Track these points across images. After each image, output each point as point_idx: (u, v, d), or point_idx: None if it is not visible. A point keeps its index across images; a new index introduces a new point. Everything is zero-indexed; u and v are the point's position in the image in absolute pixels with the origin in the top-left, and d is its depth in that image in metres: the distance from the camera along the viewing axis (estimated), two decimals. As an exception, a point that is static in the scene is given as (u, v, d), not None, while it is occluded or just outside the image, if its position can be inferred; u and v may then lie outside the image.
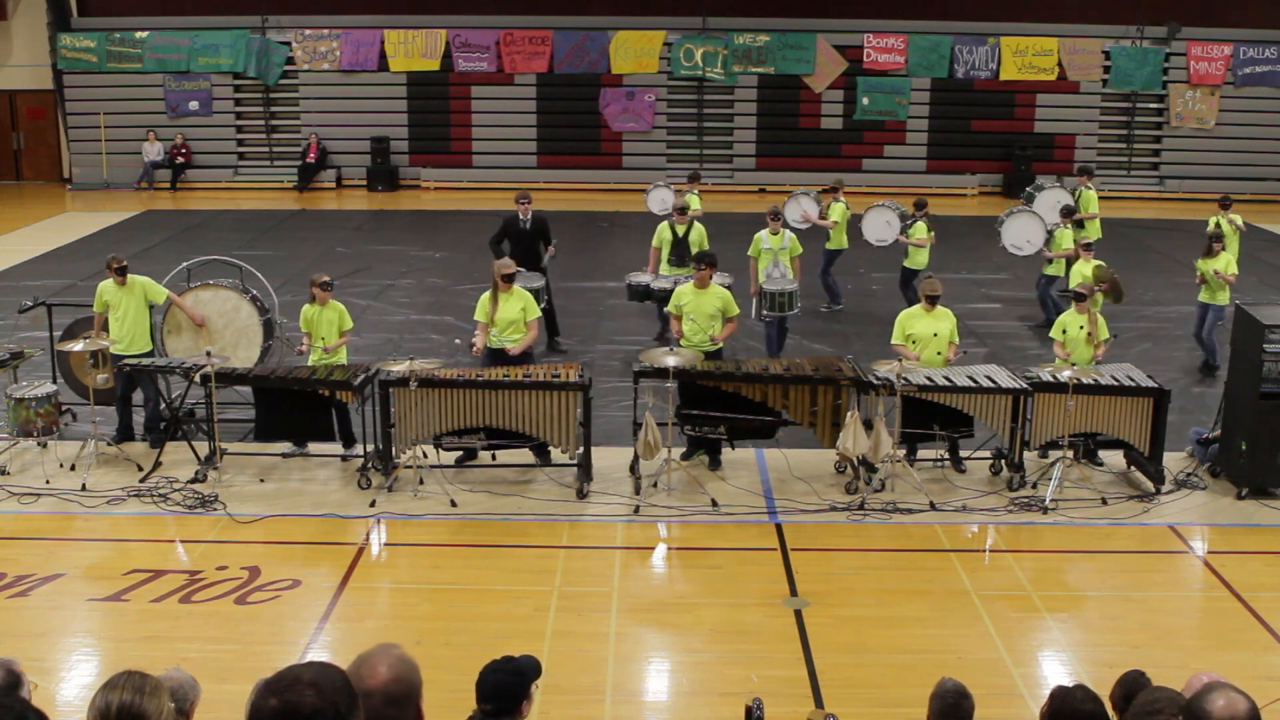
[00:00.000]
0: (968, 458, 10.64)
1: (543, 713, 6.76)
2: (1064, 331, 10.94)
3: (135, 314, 10.77)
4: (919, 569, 8.81)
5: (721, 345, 10.82)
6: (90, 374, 10.59)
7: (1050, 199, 17.15)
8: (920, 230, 15.41)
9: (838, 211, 16.12)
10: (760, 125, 26.19)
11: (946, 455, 10.59)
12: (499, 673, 4.43)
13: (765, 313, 13.25)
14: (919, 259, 15.39)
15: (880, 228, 16.42)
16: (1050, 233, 15.75)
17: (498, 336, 10.62)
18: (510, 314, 10.60)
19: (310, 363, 10.68)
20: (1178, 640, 7.95)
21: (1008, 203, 24.22)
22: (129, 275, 10.77)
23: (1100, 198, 17.57)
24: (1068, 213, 15.72)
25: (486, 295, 10.70)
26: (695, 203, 16.41)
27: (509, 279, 10.61)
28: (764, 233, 13.83)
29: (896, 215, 16.26)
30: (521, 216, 14.12)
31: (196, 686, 4.48)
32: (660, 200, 18.36)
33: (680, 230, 14.31)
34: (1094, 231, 16.55)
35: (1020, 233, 16.12)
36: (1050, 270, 15.43)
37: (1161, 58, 25.63)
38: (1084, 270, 13.13)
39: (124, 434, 10.95)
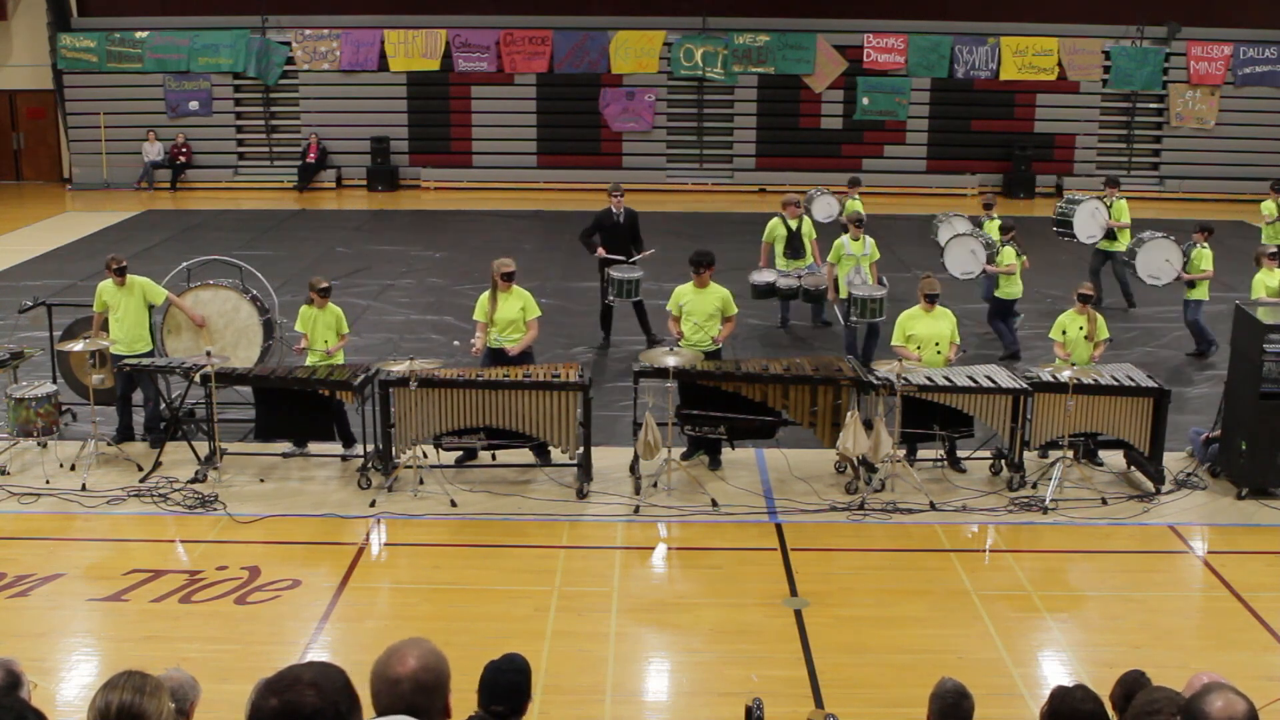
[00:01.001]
0: (967, 458, 10.64)
1: (543, 713, 6.77)
2: (1064, 333, 10.94)
3: (135, 314, 10.77)
4: (919, 569, 8.81)
5: (721, 345, 10.84)
6: (89, 374, 10.59)
7: (1088, 210, 16.82)
8: (1009, 256, 13.78)
9: (993, 229, 15.03)
10: (760, 125, 26.18)
11: (944, 456, 10.59)
12: (508, 673, 4.41)
13: (854, 319, 13.24)
14: (1012, 289, 13.83)
15: (964, 259, 14.76)
16: (1186, 255, 14.23)
17: (497, 336, 10.62)
18: (509, 313, 10.59)
19: (309, 364, 10.69)
20: (1178, 640, 7.95)
21: (1008, 204, 24.29)
22: (128, 276, 10.77)
23: (1100, 198, 17.37)
24: (1205, 229, 14.26)
25: (485, 295, 10.70)
26: (857, 207, 16.33)
27: (508, 278, 10.61)
28: (845, 239, 13.85)
29: (982, 244, 14.65)
30: (614, 210, 14.22)
31: (196, 686, 4.48)
32: (825, 207, 18.03)
33: (793, 224, 14.68)
34: (1125, 241, 15.79)
35: (1154, 260, 14.72)
36: (1194, 295, 13.92)
37: (1161, 58, 25.63)
38: (1268, 281, 12.24)
39: (124, 434, 10.95)
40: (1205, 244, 14.00)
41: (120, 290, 10.74)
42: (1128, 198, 16.81)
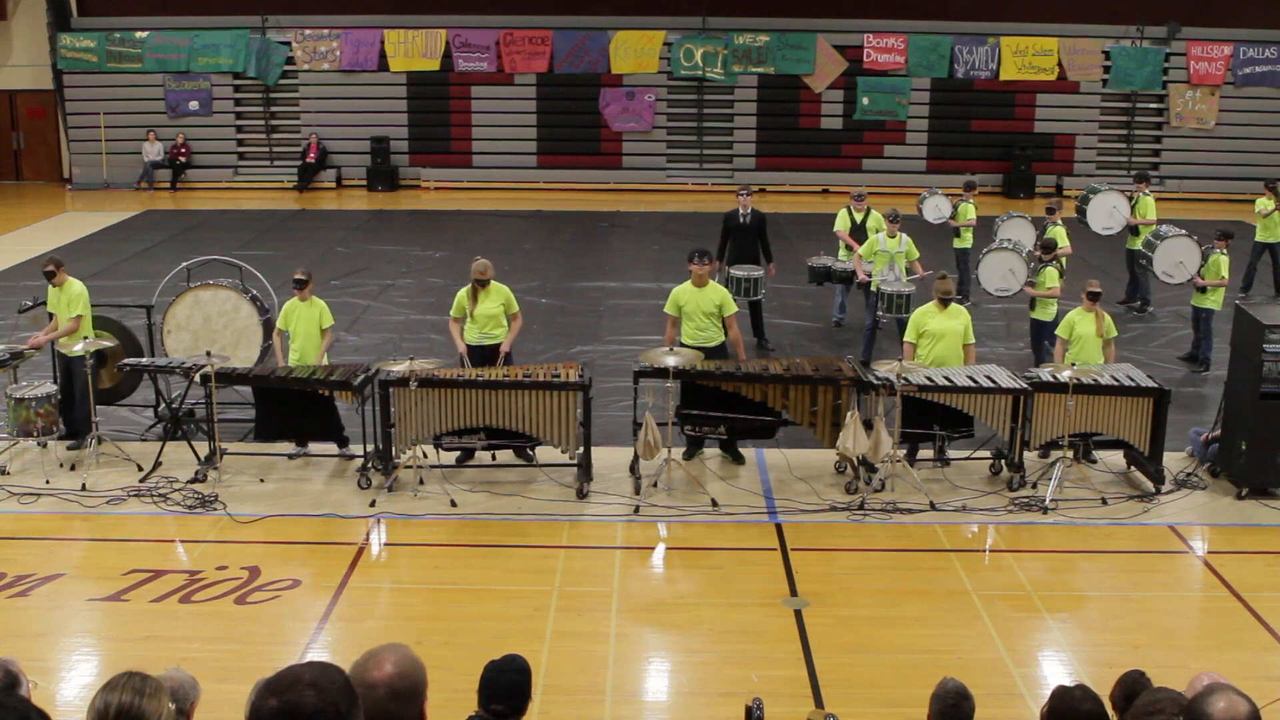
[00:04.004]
0: (967, 458, 10.64)
1: (543, 713, 6.77)
2: (1072, 330, 10.88)
3: (60, 316, 10.84)
4: (919, 569, 8.81)
5: (725, 342, 10.80)
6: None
7: (1106, 203, 16.73)
8: (1051, 278, 12.79)
9: (1059, 234, 14.48)
10: (760, 125, 26.17)
11: (938, 456, 10.59)
12: (508, 672, 4.41)
13: (881, 314, 13.26)
14: (1051, 310, 12.75)
15: (1001, 276, 14.24)
16: (1204, 258, 13.70)
17: (479, 332, 10.66)
18: (490, 309, 10.64)
19: (290, 363, 10.66)
20: (1178, 640, 7.95)
21: (1008, 203, 24.28)
22: (66, 279, 10.79)
23: (1124, 192, 17.22)
24: (1225, 235, 13.78)
25: (464, 292, 10.73)
26: (971, 211, 16.25)
27: (483, 283, 10.63)
28: (881, 235, 13.89)
29: (1022, 260, 14.05)
30: (741, 210, 14.11)
31: (196, 686, 4.48)
32: (935, 208, 17.60)
33: (858, 217, 14.95)
34: (1143, 239, 15.47)
35: (1171, 257, 14.34)
36: (1205, 302, 13.41)
37: (1161, 58, 25.63)
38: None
39: (71, 431, 10.78)
40: (1224, 250, 13.53)
41: (53, 291, 10.84)
42: (1156, 196, 16.79)
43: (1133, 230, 16.14)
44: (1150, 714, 3.89)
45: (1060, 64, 25.59)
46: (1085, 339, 10.78)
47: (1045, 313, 12.81)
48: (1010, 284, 14.34)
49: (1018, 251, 14.44)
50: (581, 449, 10.01)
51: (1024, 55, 25.60)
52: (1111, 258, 17.38)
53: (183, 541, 9.19)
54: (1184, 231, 14.79)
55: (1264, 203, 16.58)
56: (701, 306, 10.67)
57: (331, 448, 10.70)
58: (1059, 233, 14.61)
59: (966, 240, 16.20)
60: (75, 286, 10.84)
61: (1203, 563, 9.11)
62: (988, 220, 17.07)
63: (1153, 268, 14.79)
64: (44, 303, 11.82)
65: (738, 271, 13.71)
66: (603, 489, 10.07)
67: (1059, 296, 12.85)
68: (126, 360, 10.83)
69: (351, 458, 10.63)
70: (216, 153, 26.34)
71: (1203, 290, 13.49)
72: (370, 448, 10.22)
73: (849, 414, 9.87)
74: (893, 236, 13.77)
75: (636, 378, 10.17)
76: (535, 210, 23.75)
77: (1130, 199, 16.51)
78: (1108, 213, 16.48)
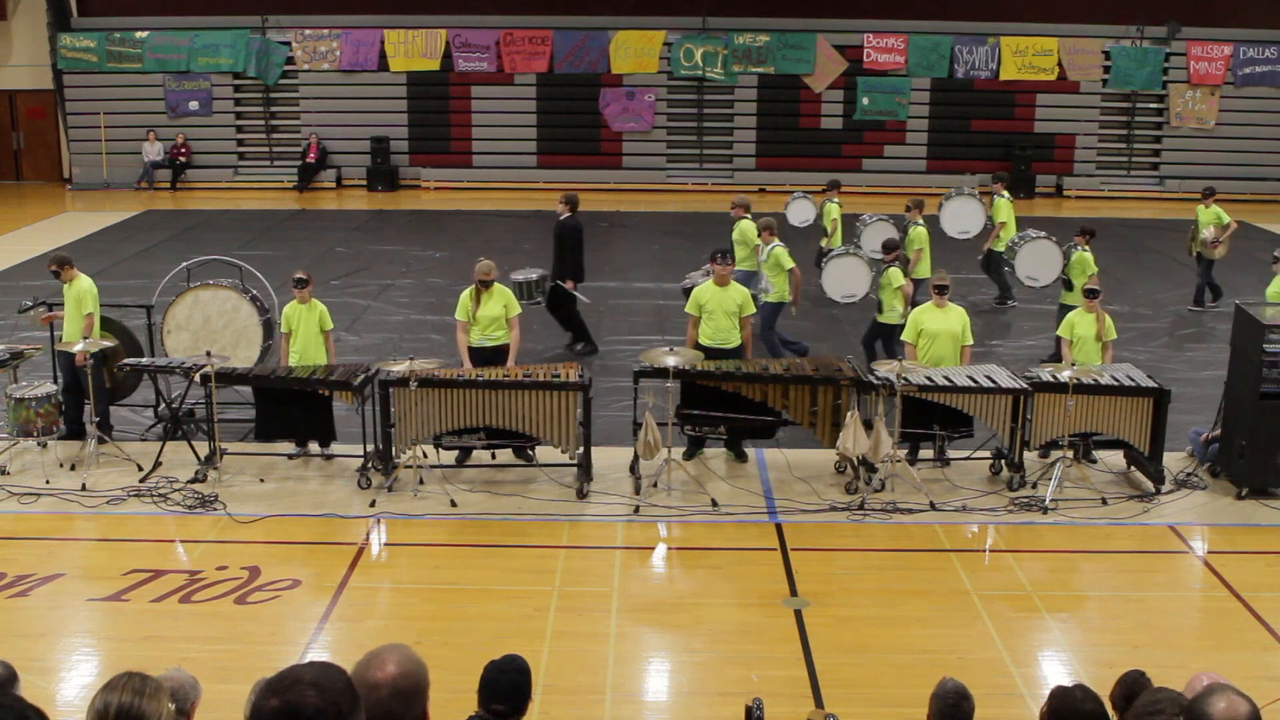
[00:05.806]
0: (967, 458, 10.64)
1: (543, 712, 6.77)
2: (1072, 330, 10.87)
3: (69, 314, 10.86)
4: (919, 569, 8.81)
5: (741, 344, 10.79)
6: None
7: (958, 209, 16.58)
8: (896, 278, 12.40)
9: (918, 236, 14.39)
10: (760, 125, 26.18)
11: (935, 457, 10.59)
12: (508, 673, 4.41)
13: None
14: (897, 314, 12.31)
15: (850, 283, 14.20)
16: (1066, 257, 13.76)
17: (480, 334, 10.66)
18: (493, 311, 10.64)
19: (291, 364, 10.67)
20: (1178, 640, 7.95)
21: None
22: (75, 276, 10.82)
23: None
24: (1085, 232, 13.71)
25: (467, 293, 10.72)
26: (835, 211, 16.08)
27: (486, 284, 10.64)
28: (759, 245, 13.55)
29: (864, 264, 14.04)
30: (559, 215, 13.92)
31: (197, 686, 4.48)
32: (800, 212, 17.44)
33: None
34: (1005, 240, 15.48)
35: (1032, 261, 14.50)
36: (1074, 300, 12.93)
37: (1161, 58, 25.63)
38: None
39: (73, 430, 10.77)
40: (1085, 247, 13.44)
41: (65, 289, 10.86)
42: (1128, 198, 16.78)
43: (995, 233, 16.03)
44: (1150, 714, 3.89)
45: (1060, 64, 25.59)
46: (1084, 341, 10.76)
47: (890, 315, 12.30)
48: (856, 289, 14.27)
49: (859, 256, 14.39)
50: (581, 449, 10.01)
51: (1024, 55, 25.60)
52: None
53: (183, 541, 9.19)
54: (1044, 234, 14.82)
55: (1203, 211, 16.42)
56: (723, 305, 10.65)
57: (332, 448, 10.69)
58: (920, 233, 14.45)
59: (837, 240, 16.05)
60: (84, 282, 10.87)
61: (1203, 563, 9.11)
62: (850, 219, 16.89)
63: (1016, 273, 14.82)
64: (44, 302, 11.84)
65: (516, 275, 13.56)
66: (603, 489, 10.07)
67: (910, 296, 12.52)
68: (126, 360, 10.83)
69: (331, 458, 10.62)
70: (216, 153, 26.34)
71: (1070, 288, 13.31)
72: (370, 448, 10.22)
73: (849, 414, 9.87)
74: (767, 244, 12.95)
75: (636, 378, 10.18)
76: (535, 210, 23.73)
77: (987, 201, 16.51)
78: (960, 216, 16.55)
